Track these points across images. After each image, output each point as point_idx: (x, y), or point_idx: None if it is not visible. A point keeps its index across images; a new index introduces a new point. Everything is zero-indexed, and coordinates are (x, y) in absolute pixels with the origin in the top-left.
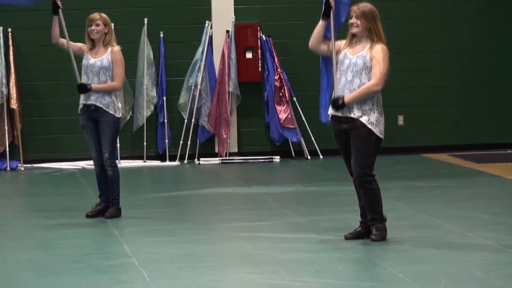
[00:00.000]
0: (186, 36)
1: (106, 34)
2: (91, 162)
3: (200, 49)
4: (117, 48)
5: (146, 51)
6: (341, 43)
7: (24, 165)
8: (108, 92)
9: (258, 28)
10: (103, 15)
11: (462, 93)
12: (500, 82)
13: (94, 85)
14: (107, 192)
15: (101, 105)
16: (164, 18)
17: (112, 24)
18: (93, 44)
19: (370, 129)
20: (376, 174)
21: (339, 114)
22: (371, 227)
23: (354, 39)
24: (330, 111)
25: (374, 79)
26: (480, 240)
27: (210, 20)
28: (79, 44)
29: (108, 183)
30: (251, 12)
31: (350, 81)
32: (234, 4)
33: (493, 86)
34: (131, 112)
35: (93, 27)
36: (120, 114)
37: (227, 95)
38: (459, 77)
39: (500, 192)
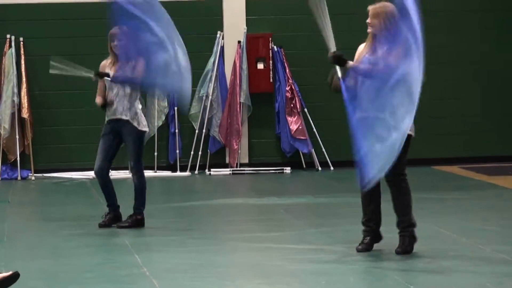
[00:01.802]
0: (198, 46)
1: None
2: None
3: (211, 60)
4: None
5: None
6: (359, 49)
7: (35, 174)
8: (133, 105)
9: (270, 38)
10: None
11: (473, 105)
12: (510, 95)
13: (112, 72)
14: (114, 201)
15: (125, 117)
16: (176, 28)
17: None
18: (116, 58)
19: None
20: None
21: None
22: (400, 235)
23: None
24: None
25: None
26: (492, 252)
27: (222, 30)
28: (102, 67)
29: (134, 192)
30: (262, 23)
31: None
32: (246, 15)
33: (504, 98)
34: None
35: (115, 43)
36: (145, 128)
37: (238, 106)
38: (469, 89)
39: (511, 204)
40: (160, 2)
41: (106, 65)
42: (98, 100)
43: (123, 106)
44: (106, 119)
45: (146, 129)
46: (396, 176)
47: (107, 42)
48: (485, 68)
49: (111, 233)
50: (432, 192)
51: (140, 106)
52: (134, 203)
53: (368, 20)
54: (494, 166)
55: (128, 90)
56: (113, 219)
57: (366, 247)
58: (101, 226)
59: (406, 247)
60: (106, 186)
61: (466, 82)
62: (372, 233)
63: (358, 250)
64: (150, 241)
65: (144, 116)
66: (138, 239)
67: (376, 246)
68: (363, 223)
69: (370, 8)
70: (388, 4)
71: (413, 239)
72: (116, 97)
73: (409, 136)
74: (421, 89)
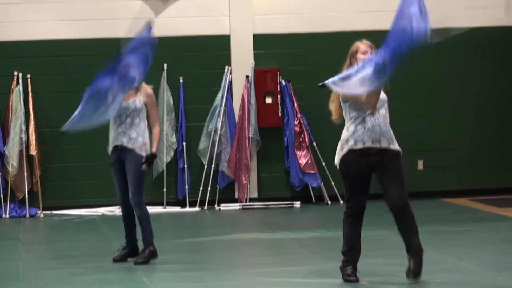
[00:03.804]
0: (206, 81)
1: None
2: (111, 208)
3: (219, 94)
4: (150, 90)
5: (165, 96)
6: None
7: (44, 212)
8: (142, 135)
9: (278, 73)
10: None
11: (480, 137)
12: None
13: (154, 149)
14: (132, 233)
15: (130, 146)
16: (184, 64)
17: None
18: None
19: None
20: None
21: (376, 146)
22: (409, 258)
23: None
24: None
25: None
26: None
27: (229, 65)
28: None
29: (138, 223)
30: (270, 57)
31: (384, 115)
32: (254, 49)
33: (511, 130)
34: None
35: None
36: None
37: (247, 141)
38: (477, 120)
39: None
40: (169, 37)
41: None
42: None
43: (131, 133)
44: (112, 145)
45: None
46: (406, 203)
47: None
48: (494, 98)
49: (128, 268)
50: (447, 225)
51: (147, 136)
52: (142, 236)
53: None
54: (504, 197)
55: (136, 120)
56: (128, 254)
57: (356, 279)
58: (115, 260)
59: (418, 269)
60: (128, 217)
61: (474, 114)
62: (352, 263)
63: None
64: (167, 276)
65: None
66: (155, 275)
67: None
68: (343, 253)
69: (367, 41)
70: None
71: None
72: (124, 124)
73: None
74: (427, 122)
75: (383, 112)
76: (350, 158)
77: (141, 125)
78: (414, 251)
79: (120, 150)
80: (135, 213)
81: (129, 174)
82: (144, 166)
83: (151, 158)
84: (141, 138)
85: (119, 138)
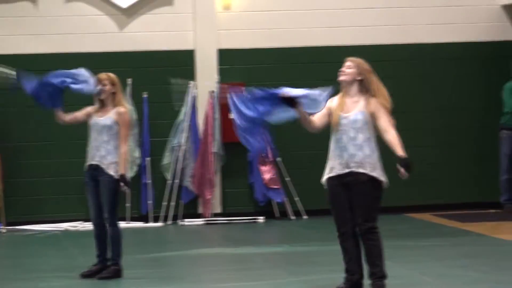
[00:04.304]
0: (170, 96)
1: (114, 93)
2: (74, 223)
3: (183, 110)
4: (123, 109)
5: None
6: (331, 102)
7: (6, 227)
8: (112, 153)
9: (242, 88)
10: (111, 75)
11: (441, 153)
12: (480, 142)
13: (121, 170)
14: (104, 253)
15: (102, 166)
16: (148, 78)
17: None
18: (102, 104)
19: (379, 182)
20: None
21: (346, 171)
22: (372, 284)
23: (344, 94)
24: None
25: (392, 129)
26: None
27: (194, 80)
28: (85, 110)
29: (109, 243)
30: (235, 72)
31: (353, 138)
32: (218, 64)
33: (472, 146)
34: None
35: (100, 87)
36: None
37: (211, 156)
38: (438, 136)
39: (488, 250)
40: (133, 52)
41: (92, 113)
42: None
43: (100, 151)
44: (86, 163)
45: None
46: (369, 230)
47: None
48: (454, 115)
49: (91, 284)
50: (410, 240)
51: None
52: (110, 254)
53: (342, 68)
54: (465, 213)
55: (106, 137)
56: (98, 271)
57: None
58: (84, 276)
59: None
60: (100, 236)
61: (436, 130)
62: (349, 283)
63: None
64: None
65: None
66: None
67: None
68: (347, 263)
69: (349, 58)
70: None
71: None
72: (95, 142)
73: (380, 183)
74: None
75: (351, 135)
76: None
77: (111, 143)
78: (374, 277)
79: (94, 169)
80: (107, 232)
81: (103, 195)
82: (123, 188)
83: (122, 180)
84: (110, 156)
85: (92, 156)
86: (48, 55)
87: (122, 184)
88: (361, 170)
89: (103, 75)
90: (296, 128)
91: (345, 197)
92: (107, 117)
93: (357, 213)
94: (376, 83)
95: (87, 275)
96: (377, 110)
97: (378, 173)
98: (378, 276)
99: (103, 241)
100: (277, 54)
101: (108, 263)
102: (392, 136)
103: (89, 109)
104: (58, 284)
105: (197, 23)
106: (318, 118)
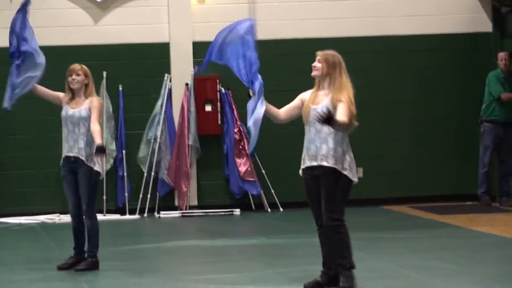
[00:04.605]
0: (145, 89)
1: (86, 85)
2: (51, 216)
3: (159, 102)
4: (96, 98)
5: (105, 104)
6: (306, 95)
7: None
8: (90, 145)
9: (218, 81)
10: (84, 66)
11: (419, 145)
12: (457, 134)
13: (98, 140)
14: (81, 246)
15: (81, 157)
16: (123, 72)
17: None
18: (73, 95)
19: (342, 175)
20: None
21: (314, 163)
22: (339, 274)
23: (318, 87)
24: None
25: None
26: None
27: (169, 73)
28: (56, 93)
29: (86, 235)
30: (210, 65)
31: (319, 130)
32: (193, 57)
33: (450, 138)
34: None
35: (73, 76)
36: (100, 169)
37: (187, 148)
38: (416, 129)
39: (465, 242)
40: (108, 45)
41: (63, 101)
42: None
43: (78, 144)
44: (63, 155)
45: (100, 170)
46: (332, 221)
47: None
48: (433, 106)
49: (69, 276)
50: (385, 232)
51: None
52: (88, 246)
53: (313, 63)
54: (442, 205)
55: (83, 129)
56: (74, 264)
57: (313, 285)
58: (60, 268)
59: (350, 282)
60: (78, 229)
61: (412, 122)
62: (326, 276)
63: (305, 287)
64: (108, 284)
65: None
66: (96, 282)
67: None
68: (323, 257)
69: (319, 52)
70: (335, 52)
71: (353, 278)
72: (72, 134)
73: (350, 181)
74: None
75: (318, 127)
76: (304, 178)
77: (88, 134)
78: (342, 268)
79: (73, 162)
80: (85, 224)
81: (82, 188)
82: (99, 158)
83: (98, 150)
84: (88, 148)
85: (69, 149)
86: None
87: (97, 155)
88: (324, 163)
89: (76, 66)
90: (271, 120)
91: (316, 189)
92: (82, 109)
93: (322, 205)
94: (339, 78)
95: (64, 268)
96: (338, 103)
97: (341, 167)
98: (346, 267)
99: (81, 233)
100: None
101: (85, 255)
102: (338, 117)
103: (60, 94)
104: (33, 276)
105: (171, 16)
106: (286, 110)
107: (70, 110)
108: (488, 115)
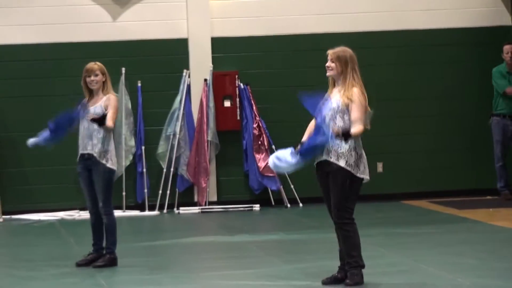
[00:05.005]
0: (164, 85)
1: (104, 82)
2: (70, 212)
3: (178, 98)
4: (113, 96)
5: (124, 100)
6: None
7: (3, 216)
8: (103, 142)
9: (236, 76)
10: (99, 64)
11: (439, 140)
12: (476, 129)
13: (90, 115)
14: (100, 242)
15: (95, 154)
16: (142, 68)
17: None
18: (91, 94)
19: (347, 172)
20: (355, 218)
21: (322, 159)
22: (347, 272)
23: (334, 83)
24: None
25: (353, 128)
26: (471, 285)
27: (188, 69)
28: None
29: (104, 232)
30: (228, 61)
31: (328, 126)
32: (212, 53)
33: (469, 133)
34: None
35: (92, 78)
36: (113, 166)
37: (206, 144)
38: (436, 124)
39: (484, 237)
40: (127, 41)
41: (86, 104)
42: None
43: (92, 141)
44: (78, 154)
45: (114, 167)
46: (339, 219)
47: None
48: (449, 102)
49: (87, 272)
50: (405, 227)
51: (112, 144)
52: (105, 243)
53: (326, 64)
54: (462, 200)
55: (97, 126)
56: (93, 260)
57: (331, 280)
58: (78, 265)
59: (355, 279)
60: (97, 225)
61: (433, 117)
62: (343, 271)
63: (324, 283)
64: (126, 280)
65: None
66: (114, 279)
67: None
68: (339, 252)
69: (330, 51)
70: (346, 48)
71: (359, 276)
72: (87, 131)
73: (356, 178)
74: (385, 125)
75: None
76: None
77: (101, 131)
78: (349, 267)
79: (87, 159)
80: (103, 221)
81: (97, 185)
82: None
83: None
84: (101, 145)
85: (83, 146)
86: (40, 45)
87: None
88: (330, 160)
89: (93, 66)
90: (290, 115)
91: (327, 185)
92: (97, 106)
93: (331, 202)
94: (351, 73)
95: (82, 264)
96: (350, 103)
97: (345, 163)
98: (353, 266)
99: (99, 230)
100: (270, 42)
101: (103, 252)
102: (353, 131)
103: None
104: (53, 272)
105: (190, 12)
106: None
107: (89, 108)
108: (495, 109)
